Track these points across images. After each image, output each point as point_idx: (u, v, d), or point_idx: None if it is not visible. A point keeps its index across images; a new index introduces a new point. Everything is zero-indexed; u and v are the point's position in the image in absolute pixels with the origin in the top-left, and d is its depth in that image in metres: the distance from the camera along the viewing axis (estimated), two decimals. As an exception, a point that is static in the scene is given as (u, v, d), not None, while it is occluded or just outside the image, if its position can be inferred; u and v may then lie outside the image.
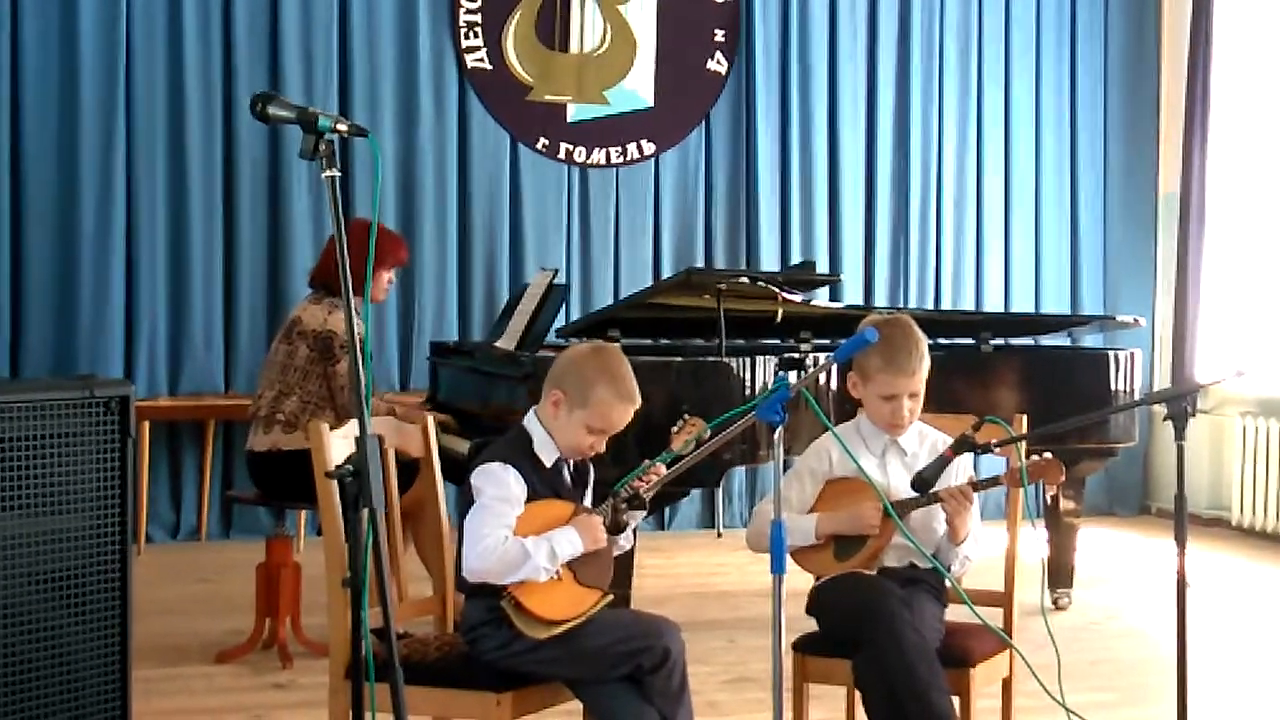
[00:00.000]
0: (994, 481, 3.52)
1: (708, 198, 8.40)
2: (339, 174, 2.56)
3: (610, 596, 3.22)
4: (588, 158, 8.18)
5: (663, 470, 3.26)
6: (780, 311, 5.70)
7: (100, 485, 3.06)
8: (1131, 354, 6.05)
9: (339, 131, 2.57)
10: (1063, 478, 3.46)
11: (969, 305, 8.70)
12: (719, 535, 8.01)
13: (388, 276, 5.54)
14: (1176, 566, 3.16)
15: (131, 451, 3.11)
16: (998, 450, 3.49)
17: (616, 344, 4.95)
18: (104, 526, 3.06)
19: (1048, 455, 3.46)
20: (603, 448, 3.30)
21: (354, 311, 2.56)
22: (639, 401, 3.28)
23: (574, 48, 8.16)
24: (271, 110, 2.56)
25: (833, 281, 7.83)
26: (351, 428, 3.12)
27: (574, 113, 8.18)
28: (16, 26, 7.24)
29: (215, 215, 7.57)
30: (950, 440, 3.53)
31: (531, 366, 5.01)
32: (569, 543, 3.14)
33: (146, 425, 7.10)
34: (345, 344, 5.11)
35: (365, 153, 7.37)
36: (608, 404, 3.23)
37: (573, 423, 3.24)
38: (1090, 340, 7.86)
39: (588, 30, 8.16)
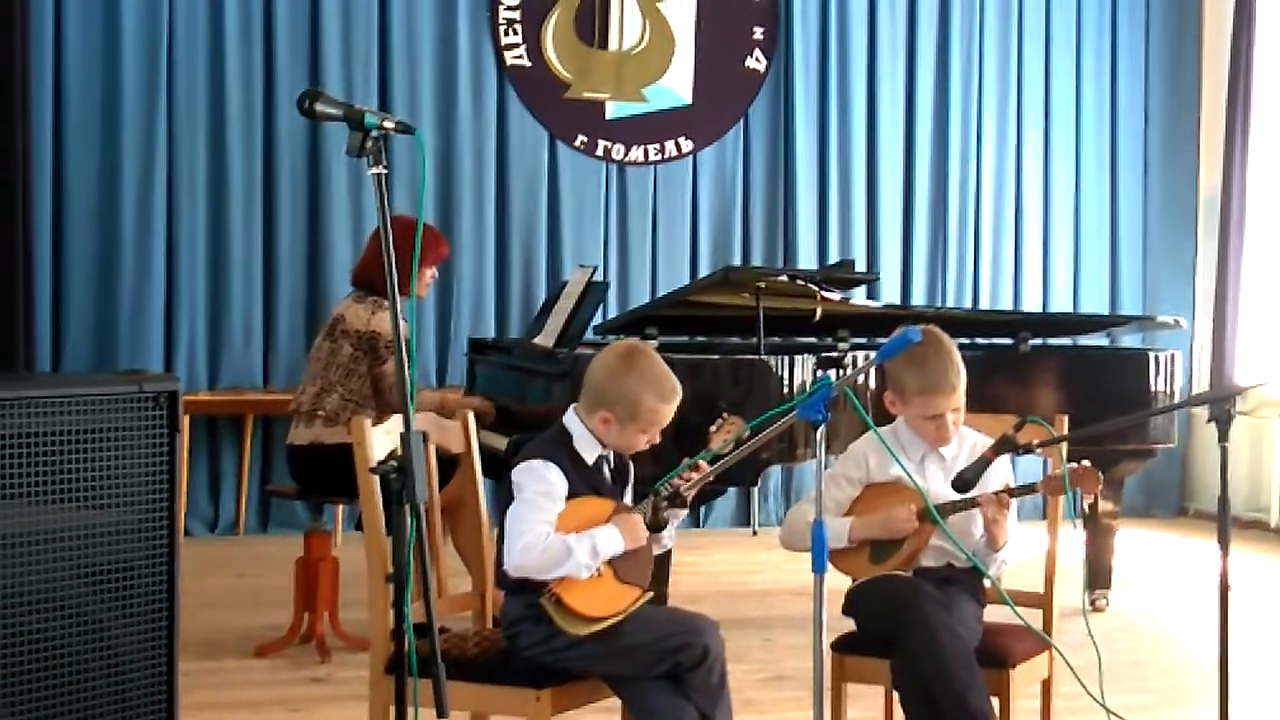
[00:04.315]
0: (1030, 489, 3.49)
1: (746, 196, 8.39)
2: (386, 171, 2.57)
3: (650, 594, 3.23)
4: (626, 155, 8.19)
5: (704, 468, 3.27)
6: (818, 310, 5.69)
7: (148, 480, 3.07)
8: (1171, 355, 6.01)
9: (385, 129, 2.58)
10: (1100, 486, 3.41)
11: (1007, 305, 8.66)
12: (754, 533, 8.01)
13: (430, 273, 5.56)
14: (1219, 569, 3.13)
15: (178, 446, 3.13)
16: (1039, 450, 3.47)
17: (641, 340, 4.99)
18: (152, 520, 3.08)
19: (1086, 463, 3.41)
20: (658, 439, 3.34)
21: (399, 311, 2.57)
22: (681, 392, 3.31)
23: (613, 45, 8.16)
24: (319, 107, 2.57)
25: (871, 280, 7.82)
26: (394, 423, 3.13)
27: (612, 110, 8.19)
28: (60, 25, 7.30)
29: (255, 211, 7.62)
30: (989, 441, 3.52)
31: (570, 363, 5.01)
32: (610, 541, 3.15)
33: (186, 420, 7.13)
34: (390, 343, 5.12)
35: (403, 149, 7.39)
36: (655, 409, 3.27)
37: (626, 434, 3.28)
38: (1129, 341, 7.81)
39: (627, 28, 8.17)
